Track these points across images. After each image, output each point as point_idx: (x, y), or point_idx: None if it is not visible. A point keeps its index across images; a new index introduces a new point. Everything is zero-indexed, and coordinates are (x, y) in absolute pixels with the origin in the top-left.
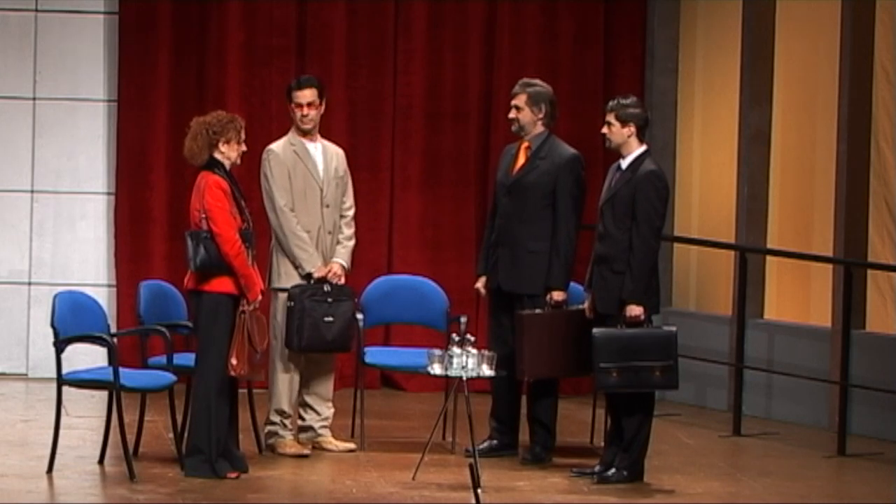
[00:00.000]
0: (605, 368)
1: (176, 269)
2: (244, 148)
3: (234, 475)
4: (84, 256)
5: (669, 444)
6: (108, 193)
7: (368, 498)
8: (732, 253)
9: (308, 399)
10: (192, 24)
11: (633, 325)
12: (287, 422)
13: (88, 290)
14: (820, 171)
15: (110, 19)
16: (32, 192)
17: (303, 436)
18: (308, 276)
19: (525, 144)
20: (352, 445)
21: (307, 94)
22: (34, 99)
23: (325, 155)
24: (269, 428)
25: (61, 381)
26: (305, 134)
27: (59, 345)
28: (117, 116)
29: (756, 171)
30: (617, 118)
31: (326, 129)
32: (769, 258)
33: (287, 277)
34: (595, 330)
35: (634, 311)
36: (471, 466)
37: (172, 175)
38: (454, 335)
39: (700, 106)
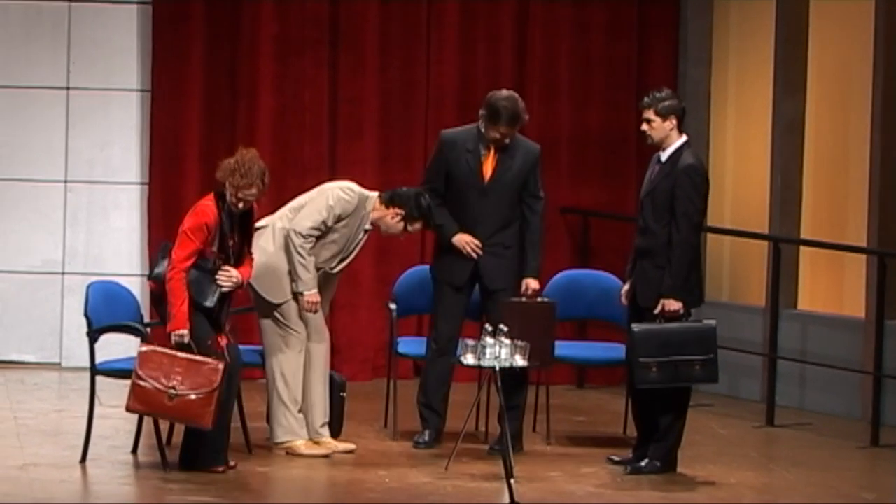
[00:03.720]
0: (644, 364)
1: None
2: (240, 205)
3: (220, 469)
4: (117, 246)
5: (703, 434)
6: (142, 183)
7: (401, 488)
8: (766, 243)
9: (308, 399)
10: (225, 14)
11: (672, 320)
12: (299, 416)
13: (121, 280)
14: (853, 161)
15: (144, 9)
16: (66, 181)
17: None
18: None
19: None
20: (351, 446)
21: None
22: (68, 89)
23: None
24: (276, 427)
25: (95, 370)
26: None
27: (93, 334)
28: (151, 106)
29: (789, 161)
30: (657, 113)
31: (358, 121)
32: (802, 248)
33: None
34: (634, 325)
35: (672, 305)
36: (504, 457)
37: (205, 165)
38: (487, 325)
39: (733, 96)
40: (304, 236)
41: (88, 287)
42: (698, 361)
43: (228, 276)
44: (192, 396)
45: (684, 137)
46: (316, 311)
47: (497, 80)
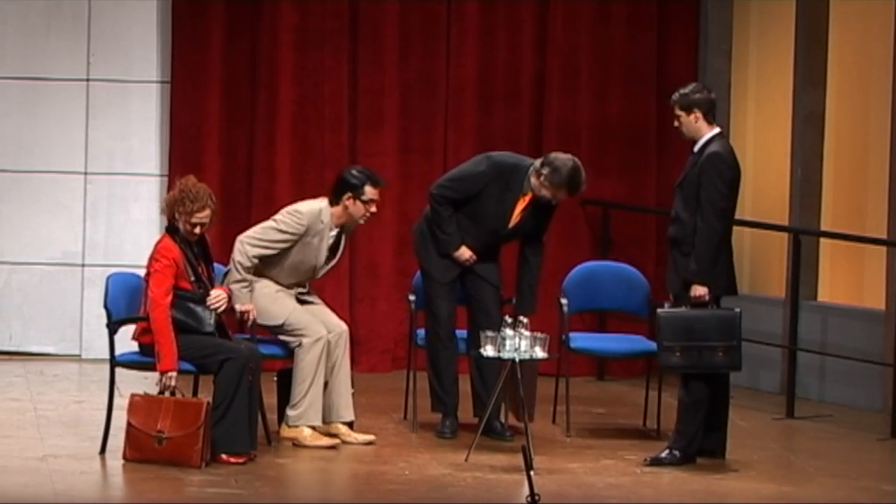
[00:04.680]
0: (668, 347)
1: (227, 250)
2: (196, 230)
3: (240, 460)
4: (137, 238)
5: None
6: (161, 175)
7: (421, 479)
8: (786, 235)
9: (331, 385)
10: (245, 5)
11: (698, 306)
12: (314, 405)
13: (141, 272)
14: (874, 153)
15: (163, 0)
16: (86, 173)
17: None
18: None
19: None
20: (371, 437)
21: (379, 193)
22: (87, 80)
23: (331, 242)
24: (288, 410)
25: (114, 362)
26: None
27: (112, 326)
28: (170, 98)
29: (810, 153)
30: (681, 108)
31: (378, 112)
32: (823, 240)
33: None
34: (659, 310)
35: (698, 291)
36: (523, 449)
37: (225, 157)
38: (506, 317)
39: (754, 88)
40: (249, 258)
41: (108, 279)
42: (721, 348)
43: (218, 297)
44: (179, 438)
45: (716, 129)
46: (250, 320)
47: (518, 72)
